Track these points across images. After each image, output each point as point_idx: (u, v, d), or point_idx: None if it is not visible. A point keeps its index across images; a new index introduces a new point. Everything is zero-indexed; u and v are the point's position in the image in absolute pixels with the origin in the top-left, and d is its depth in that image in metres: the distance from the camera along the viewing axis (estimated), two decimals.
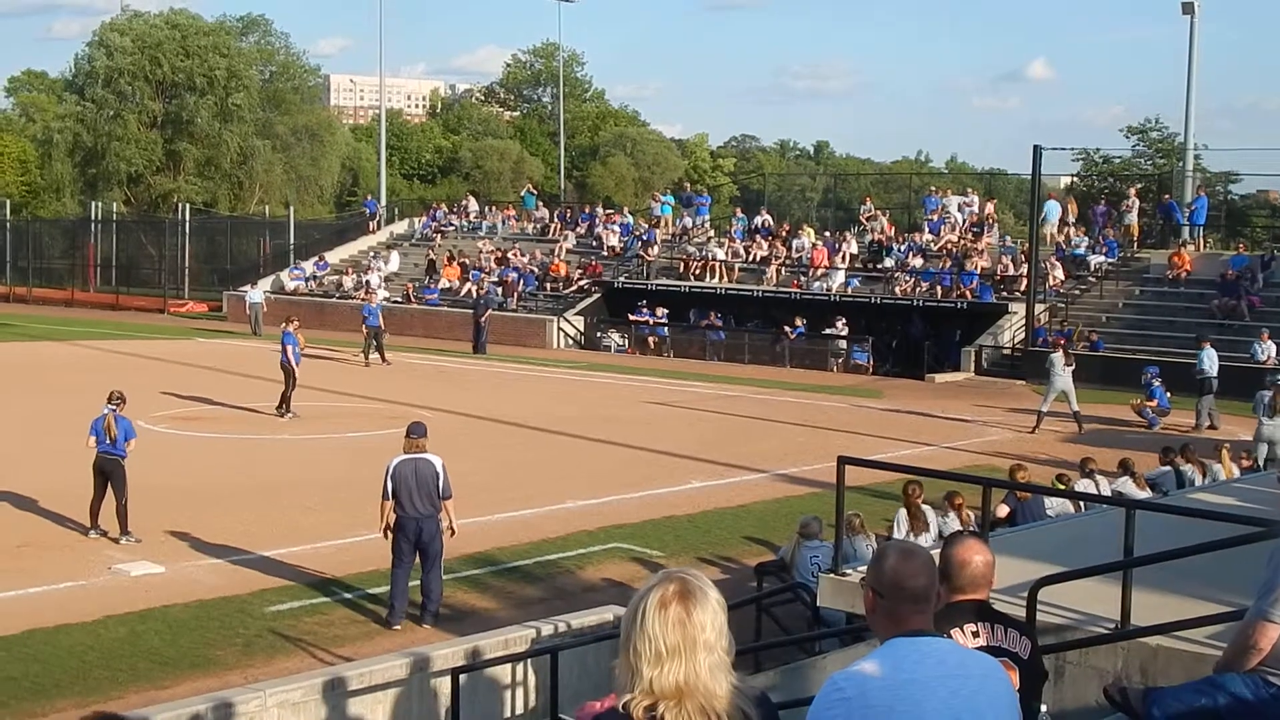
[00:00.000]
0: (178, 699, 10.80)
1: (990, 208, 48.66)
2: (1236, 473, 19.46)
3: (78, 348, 42.25)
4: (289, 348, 28.53)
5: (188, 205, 68.57)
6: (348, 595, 15.17)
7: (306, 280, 54.71)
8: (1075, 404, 28.33)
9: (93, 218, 69.52)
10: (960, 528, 14.77)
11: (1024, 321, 38.38)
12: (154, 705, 10.30)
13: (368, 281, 50.59)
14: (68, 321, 51.70)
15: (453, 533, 14.67)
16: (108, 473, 17.58)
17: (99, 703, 11.50)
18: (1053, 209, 45.21)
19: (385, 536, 14.45)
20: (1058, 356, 28.51)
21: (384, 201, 65.12)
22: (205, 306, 58.40)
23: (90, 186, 74.91)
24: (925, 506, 15.71)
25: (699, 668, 3.65)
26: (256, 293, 49.82)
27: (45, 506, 19.13)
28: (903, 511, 15.46)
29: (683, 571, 3.84)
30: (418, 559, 14.42)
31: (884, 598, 4.24)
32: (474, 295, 46.64)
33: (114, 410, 17.79)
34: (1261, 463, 22.21)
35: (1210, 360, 29.30)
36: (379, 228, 59.52)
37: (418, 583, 14.45)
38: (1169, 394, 29.57)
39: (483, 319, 43.18)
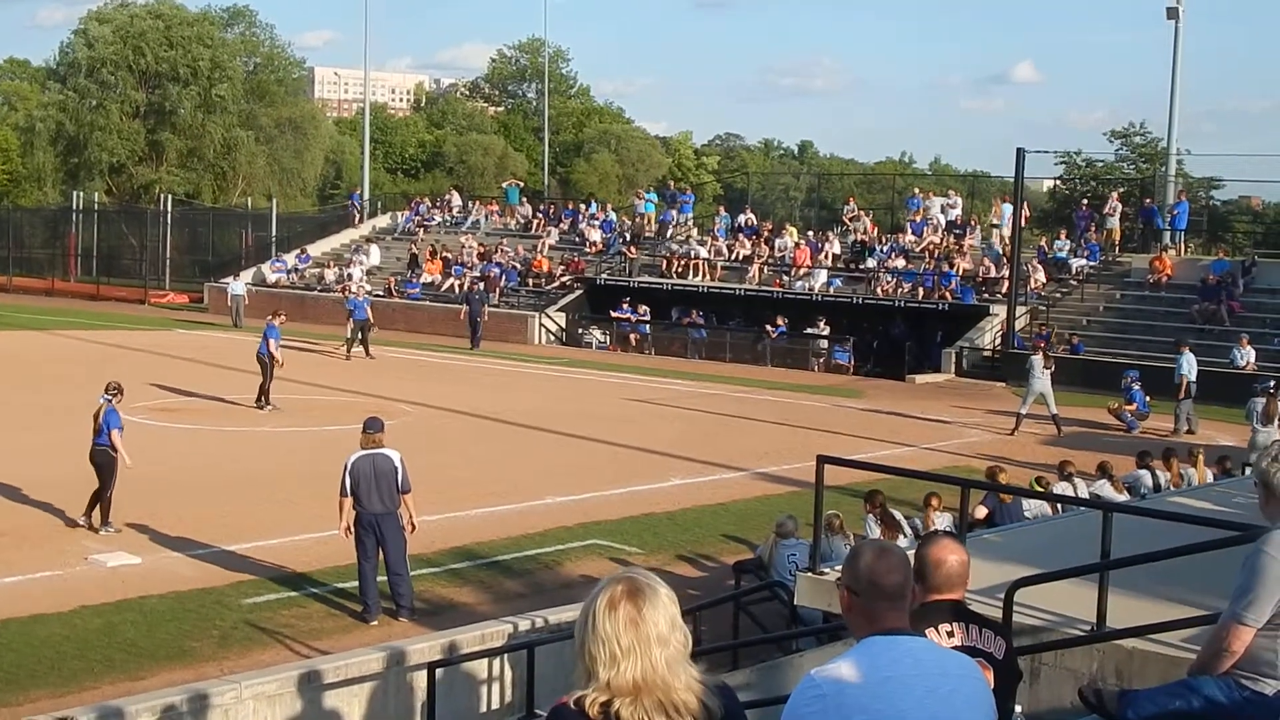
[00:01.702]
0: (153, 690, 10.79)
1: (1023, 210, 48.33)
2: (1210, 478, 19.50)
3: (58, 337, 42.13)
4: (270, 340, 28.49)
5: (169, 196, 68.36)
6: (325, 589, 15.14)
7: (288, 273, 54.59)
8: (1054, 407, 28.37)
9: (74, 207, 69.24)
10: (932, 529, 14.86)
11: (1005, 324, 38.49)
12: (129, 696, 10.28)
13: (350, 275, 50.54)
14: (48, 311, 51.51)
15: (413, 528, 14.66)
16: (97, 464, 17.58)
17: (74, 693, 11.48)
18: (1004, 210, 45.86)
19: (345, 535, 14.43)
20: (1037, 359, 28.57)
21: (367, 195, 65.04)
22: (186, 298, 58.19)
23: (72, 176, 74.63)
24: (895, 511, 15.79)
25: (655, 663, 3.68)
26: (239, 284, 49.70)
27: (22, 497, 19.08)
28: (871, 517, 15.52)
29: (630, 571, 3.88)
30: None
31: (860, 596, 4.25)
32: (468, 290, 46.47)
33: (107, 401, 17.79)
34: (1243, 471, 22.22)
35: (1189, 364, 29.36)
36: (363, 220, 59.49)
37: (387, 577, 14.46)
38: (1148, 398, 29.63)
39: (480, 315, 43.14)
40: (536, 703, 10.37)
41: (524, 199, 59.45)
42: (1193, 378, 29.18)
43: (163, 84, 74.54)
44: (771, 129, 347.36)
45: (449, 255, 51.67)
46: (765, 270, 46.14)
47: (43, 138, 74.09)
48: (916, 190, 51.77)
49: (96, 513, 17.54)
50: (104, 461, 17.54)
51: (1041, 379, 28.18)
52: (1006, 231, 44.83)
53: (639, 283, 47.02)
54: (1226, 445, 24.93)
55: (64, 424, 24.21)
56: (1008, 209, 45.83)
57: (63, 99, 74.14)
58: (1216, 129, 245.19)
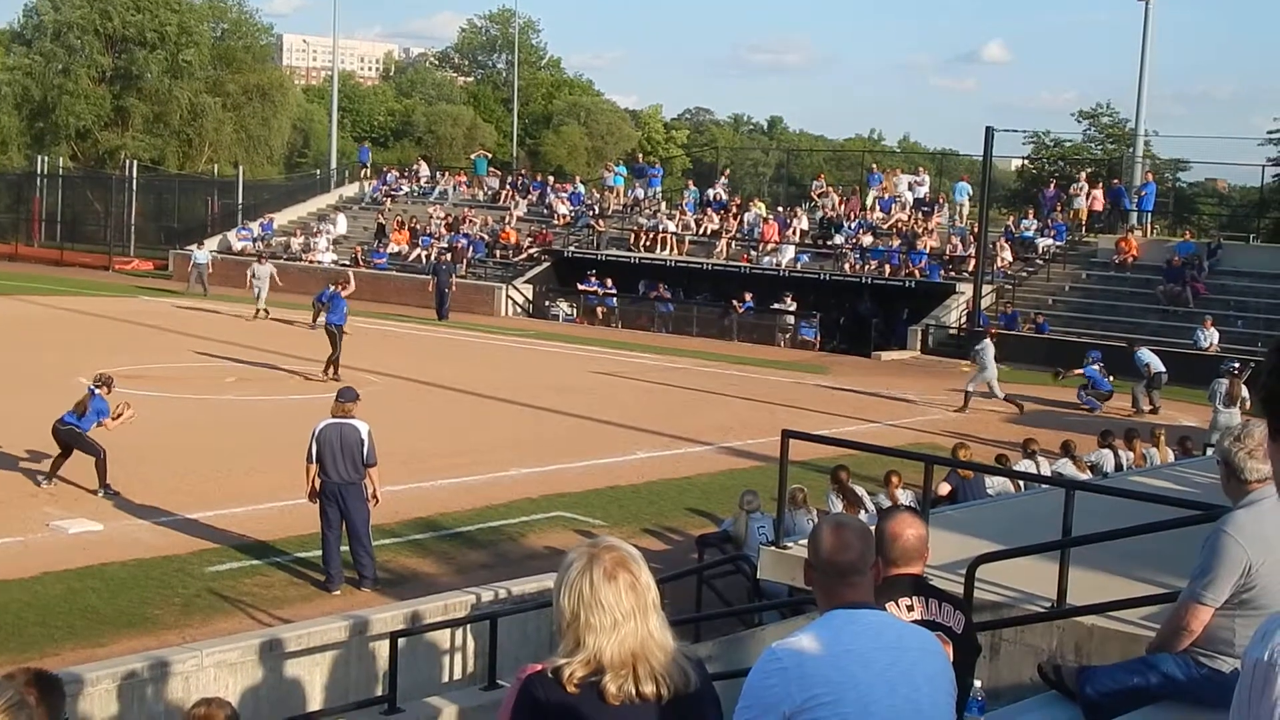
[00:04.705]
0: (114, 657, 10.76)
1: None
2: (1171, 458, 19.66)
3: (21, 303, 41.79)
4: (338, 309, 28.84)
5: (135, 162, 67.84)
6: (287, 558, 15.12)
7: (254, 241, 54.31)
8: (998, 391, 28.28)
9: (39, 172, 68.68)
10: (890, 505, 14.94)
11: (971, 302, 38.64)
12: (90, 663, 10.25)
13: (315, 244, 50.40)
14: (10, 276, 50.99)
15: (376, 500, 14.66)
16: (66, 443, 17.65)
17: (35, 659, 11.41)
18: (962, 189, 47.04)
19: (312, 500, 14.45)
20: (989, 344, 28.70)
21: (334, 164, 64.83)
22: (151, 264, 57.85)
23: (37, 140, 73.87)
24: (857, 487, 15.85)
25: (653, 628, 3.72)
26: (203, 253, 49.37)
27: None
28: (833, 492, 15.59)
29: (606, 539, 3.92)
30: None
31: (819, 571, 4.27)
32: (436, 261, 46.41)
33: (94, 391, 17.88)
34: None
35: (1150, 357, 29.22)
36: (370, 176, 59.36)
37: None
38: (1111, 377, 29.66)
39: (448, 286, 43.17)
40: (499, 674, 10.39)
41: (492, 170, 59.34)
42: (1159, 368, 29.03)
43: (129, 48, 73.76)
44: (742, 104, 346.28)
45: (417, 225, 51.56)
46: (733, 245, 46.18)
47: (8, 101, 73.23)
48: (874, 166, 52.00)
49: (51, 472, 17.80)
50: (71, 440, 17.62)
51: (992, 364, 28.23)
52: (957, 208, 45.68)
53: (606, 255, 47.00)
54: (1188, 426, 25.09)
55: (26, 389, 24.08)
56: (960, 186, 46.60)
57: (28, 63, 73.30)
58: (1183, 112, 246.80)
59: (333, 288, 31.50)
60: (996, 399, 28.21)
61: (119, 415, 18.09)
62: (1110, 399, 29.35)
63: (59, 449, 17.79)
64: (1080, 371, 29.59)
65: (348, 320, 29.27)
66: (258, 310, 40.04)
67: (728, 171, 57.50)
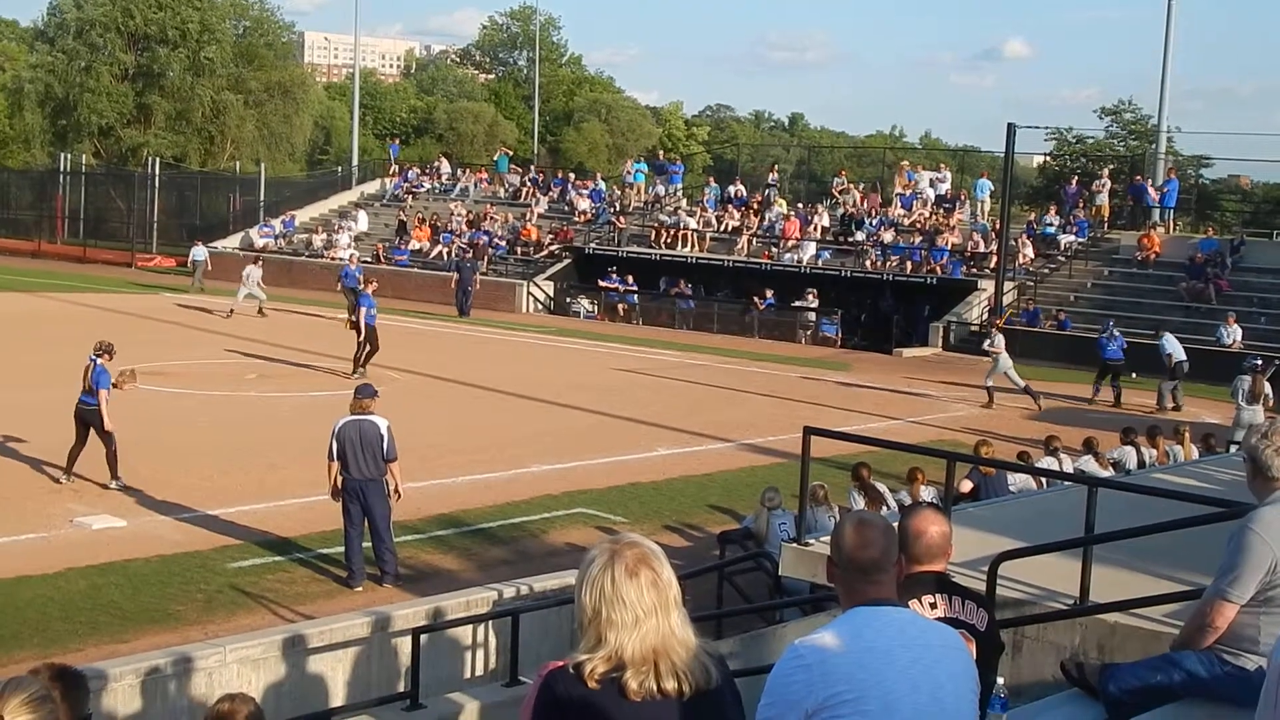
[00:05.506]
0: (137, 653, 10.78)
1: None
2: (1196, 455, 19.58)
3: (43, 300, 41.96)
4: (364, 309, 28.89)
5: (157, 159, 68.01)
6: (310, 554, 15.14)
7: (275, 238, 54.42)
8: (991, 380, 28.55)
9: (62, 169, 68.89)
10: (913, 502, 14.91)
11: (992, 299, 38.52)
12: (114, 659, 10.27)
13: (336, 241, 50.43)
14: (33, 273, 51.24)
15: (398, 496, 14.68)
16: (87, 422, 17.68)
17: (58, 654, 11.45)
18: (984, 186, 46.99)
19: (334, 498, 14.49)
20: (1000, 338, 29.01)
21: (356, 161, 64.88)
22: (173, 261, 57.96)
23: (60, 138, 74.04)
24: (878, 484, 15.81)
25: (674, 624, 3.72)
26: (200, 250, 49.21)
27: (5, 458, 19.04)
28: (855, 489, 15.57)
29: (628, 536, 3.91)
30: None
31: (842, 568, 4.27)
32: (459, 258, 46.44)
33: (95, 360, 17.84)
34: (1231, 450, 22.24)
35: (1173, 345, 29.27)
36: (399, 173, 59.39)
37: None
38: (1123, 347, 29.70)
39: (471, 284, 43.17)
40: (521, 670, 10.39)
41: (513, 167, 59.35)
42: (1181, 356, 29.08)
43: (151, 46, 73.81)
44: (762, 101, 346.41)
45: (438, 222, 51.60)
46: (754, 242, 46.12)
47: (31, 99, 73.36)
48: (904, 163, 51.87)
49: (103, 469, 17.75)
50: (91, 419, 17.61)
51: (1005, 355, 28.47)
52: (978, 205, 45.64)
53: (627, 252, 46.98)
54: (1211, 423, 24.98)
55: (48, 384, 24.13)
56: (981, 183, 46.56)
57: (51, 60, 73.42)
58: (1203, 108, 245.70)
59: (361, 282, 31.62)
60: (1016, 390, 28.23)
61: (120, 384, 18.10)
62: (1121, 366, 29.39)
63: (78, 434, 17.78)
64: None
65: (364, 320, 29.22)
66: (232, 309, 39.33)
67: (776, 167, 57.31)
